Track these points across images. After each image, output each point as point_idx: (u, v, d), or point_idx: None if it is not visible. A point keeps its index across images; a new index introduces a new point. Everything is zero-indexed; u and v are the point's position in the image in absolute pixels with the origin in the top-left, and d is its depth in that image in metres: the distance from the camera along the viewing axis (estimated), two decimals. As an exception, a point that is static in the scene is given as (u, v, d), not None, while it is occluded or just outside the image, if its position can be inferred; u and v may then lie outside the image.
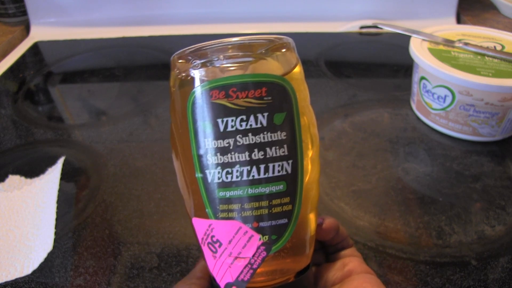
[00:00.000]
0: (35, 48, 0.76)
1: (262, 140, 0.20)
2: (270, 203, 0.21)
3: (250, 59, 0.21)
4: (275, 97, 0.21)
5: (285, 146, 0.21)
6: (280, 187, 0.21)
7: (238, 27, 0.77)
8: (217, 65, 0.21)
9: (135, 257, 0.36)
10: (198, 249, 0.36)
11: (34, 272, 0.34)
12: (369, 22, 0.77)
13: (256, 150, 0.20)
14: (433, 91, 0.48)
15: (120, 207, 0.41)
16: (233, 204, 0.21)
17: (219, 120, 0.20)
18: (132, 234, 0.38)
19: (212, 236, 0.21)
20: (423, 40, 0.52)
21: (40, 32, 0.80)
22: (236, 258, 0.21)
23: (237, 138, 0.20)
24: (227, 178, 0.20)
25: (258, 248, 0.21)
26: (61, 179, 0.43)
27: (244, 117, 0.20)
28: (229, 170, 0.20)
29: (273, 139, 0.21)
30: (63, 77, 0.69)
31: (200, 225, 0.22)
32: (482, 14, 0.79)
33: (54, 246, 0.36)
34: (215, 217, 0.21)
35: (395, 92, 0.59)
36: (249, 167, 0.20)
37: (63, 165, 0.45)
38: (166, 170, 0.46)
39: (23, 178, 0.45)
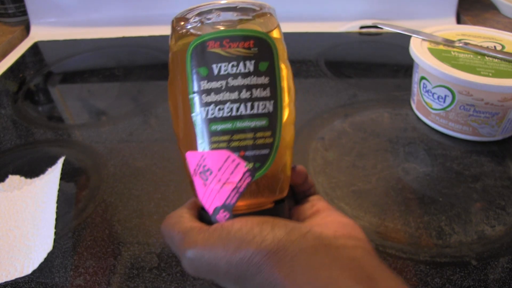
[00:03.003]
0: (35, 48, 0.76)
1: (249, 83, 0.24)
2: (255, 135, 0.25)
3: (239, 18, 0.26)
4: (260, 49, 0.25)
5: (268, 89, 0.25)
6: (263, 122, 0.25)
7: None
8: (212, 22, 0.25)
9: (135, 257, 0.36)
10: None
11: (34, 272, 0.34)
12: (369, 22, 0.77)
13: (244, 90, 0.24)
14: (433, 91, 0.48)
15: (120, 207, 0.41)
16: (223, 136, 0.24)
17: (214, 65, 0.24)
18: (132, 234, 0.38)
19: (204, 166, 0.25)
20: (423, 40, 0.52)
21: (40, 32, 0.80)
22: (224, 183, 0.24)
23: (229, 80, 0.24)
24: (218, 113, 0.24)
25: (244, 173, 0.24)
26: (61, 179, 0.43)
27: (235, 63, 0.24)
28: (221, 107, 0.24)
29: (258, 82, 0.25)
30: (63, 77, 0.69)
31: (193, 157, 0.25)
32: (482, 14, 0.79)
33: (54, 246, 0.36)
34: (208, 149, 0.25)
35: (395, 92, 0.59)
36: (238, 104, 0.24)
37: (63, 165, 0.45)
38: (166, 170, 0.46)
39: (23, 178, 0.45)
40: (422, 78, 0.50)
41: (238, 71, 0.24)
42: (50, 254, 0.35)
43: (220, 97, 0.24)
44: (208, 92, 0.24)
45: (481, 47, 0.49)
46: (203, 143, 0.25)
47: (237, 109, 0.24)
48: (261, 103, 0.25)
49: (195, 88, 0.25)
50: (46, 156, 0.48)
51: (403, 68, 0.65)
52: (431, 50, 0.49)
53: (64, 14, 0.81)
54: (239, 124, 0.24)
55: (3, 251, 0.36)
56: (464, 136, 0.49)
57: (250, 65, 0.24)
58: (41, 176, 0.45)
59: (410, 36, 0.53)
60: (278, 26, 0.27)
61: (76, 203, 0.42)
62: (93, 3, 0.79)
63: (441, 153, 0.47)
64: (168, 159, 0.47)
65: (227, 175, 0.24)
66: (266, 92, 0.25)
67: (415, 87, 0.52)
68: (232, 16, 0.26)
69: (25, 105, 0.59)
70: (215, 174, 0.24)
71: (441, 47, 0.50)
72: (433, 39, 0.52)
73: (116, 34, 0.78)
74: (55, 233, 0.37)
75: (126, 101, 0.60)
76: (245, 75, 0.24)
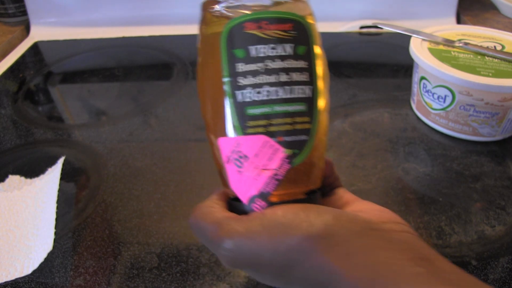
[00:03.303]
0: (35, 48, 0.76)
1: (288, 66, 0.24)
2: (294, 120, 0.24)
3: (273, 1, 0.25)
4: (298, 32, 0.24)
5: (306, 73, 0.24)
6: (301, 107, 0.24)
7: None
8: (245, 5, 0.24)
9: (135, 257, 0.36)
10: (198, 249, 0.36)
11: (34, 272, 0.34)
12: (369, 22, 0.77)
13: (283, 73, 0.23)
14: (433, 91, 0.48)
15: (120, 207, 0.41)
16: (261, 120, 0.23)
17: (252, 47, 0.23)
18: (132, 234, 0.38)
19: (239, 152, 0.24)
20: (423, 40, 0.52)
21: (40, 32, 0.80)
22: (261, 170, 0.23)
23: (267, 62, 0.23)
24: (257, 97, 0.23)
25: (282, 160, 0.23)
26: (61, 179, 0.43)
27: (273, 45, 0.23)
28: (259, 90, 0.23)
29: (297, 66, 0.24)
30: (63, 77, 0.69)
31: (227, 143, 0.24)
32: (482, 14, 0.79)
33: (54, 246, 0.36)
34: (243, 134, 0.23)
35: (395, 92, 0.59)
36: (277, 88, 0.23)
37: (63, 165, 0.45)
38: (166, 170, 0.46)
39: (23, 178, 0.45)
40: (422, 78, 0.50)
41: (276, 53, 0.23)
42: (50, 254, 0.35)
43: (257, 79, 0.23)
44: (244, 74, 0.23)
45: (481, 47, 0.49)
46: (238, 128, 0.24)
47: (276, 92, 0.23)
48: (299, 87, 0.24)
49: (231, 71, 0.24)
50: (46, 156, 0.48)
51: (403, 68, 0.65)
52: (431, 50, 0.49)
53: (64, 14, 0.81)
54: (278, 108, 0.23)
55: (3, 251, 0.36)
56: (464, 136, 0.49)
57: (288, 48, 0.24)
58: (41, 176, 0.45)
59: (410, 36, 0.53)
60: (312, 11, 0.27)
61: (76, 203, 0.42)
62: (93, 3, 0.79)
63: (441, 153, 0.47)
64: (168, 159, 0.47)
65: (264, 161, 0.23)
66: (305, 76, 0.24)
67: (415, 87, 0.52)
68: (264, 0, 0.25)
69: (25, 105, 0.59)
70: (252, 160, 0.23)
71: (441, 47, 0.50)
72: (433, 39, 0.52)
73: (116, 34, 0.78)
74: (55, 233, 0.37)
75: (126, 101, 0.60)
76: (284, 58, 0.23)
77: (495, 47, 0.50)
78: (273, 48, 0.23)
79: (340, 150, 0.48)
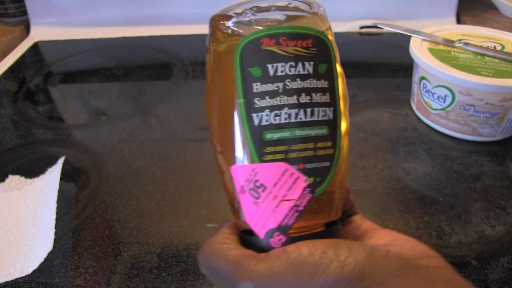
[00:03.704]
0: (35, 48, 0.76)
1: (309, 86, 0.22)
2: (316, 145, 0.22)
3: (291, 14, 0.23)
4: (319, 49, 0.22)
5: (327, 93, 0.22)
6: (324, 131, 0.22)
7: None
8: (259, 20, 0.22)
9: (135, 257, 0.36)
10: (198, 249, 0.36)
11: (34, 272, 0.34)
12: (369, 22, 0.77)
13: (303, 94, 0.21)
14: (433, 91, 0.48)
15: (120, 207, 0.41)
16: (280, 146, 0.21)
17: (270, 65, 0.21)
18: (132, 234, 0.38)
19: (256, 181, 0.21)
20: (423, 40, 0.52)
21: (40, 32, 0.80)
22: (281, 201, 0.21)
23: (286, 82, 0.21)
24: (275, 120, 0.21)
25: (303, 189, 0.21)
26: (61, 179, 0.43)
27: (293, 63, 0.21)
28: (278, 112, 0.21)
29: (318, 86, 0.22)
30: (63, 77, 0.69)
31: (241, 172, 0.22)
32: (482, 14, 0.79)
33: (54, 246, 0.36)
34: (260, 161, 0.21)
35: (395, 92, 0.59)
36: (297, 110, 0.21)
37: (63, 165, 0.45)
38: (166, 170, 0.46)
39: (23, 178, 0.45)
40: (422, 78, 0.50)
41: (297, 72, 0.21)
42: (50, 254, 0.35)
43: (276, 101, 0.21)
44: (261, 95, 0.21)
45: (481, 47, 0.49)
46: (254, 154, 0.21)
47: (296, 115, 0.21)
48: (321, 109, 0.22)
49: (246, 92, 0.21)
50: (46, 156, 0.48)
51: (403, 68, 0.65)
52: (431, 50, 0.49)
53: (64, 14, 0.81)
54: (299, 133, 0.21)
55: (3, 251, 0.36)
56: (464, 136, 0.49)
57: (309, 67, 0.22)
58: (41, 176, 0.45)
59: (410, 36, 0.53)
60: (330, 27, 0.25)
61: (76, 203, 0.42)
62: (93, 3, 0.79)
63: (441, 153, 0.47)
64: (168, 159, 0.47)
65: (284, 191, 0.21)
66: (326, 97, 0.22)
67: (415, 87, 0.52)
68: (280, 14, 0.23)
69: (25, 105, 0.59)
70: (270, 190, 0.21)
71: (441, 47, 0.50)
72: (433, 39, 0.52)
73: (116, 34, 0.78)
74: (55, 233, 0.37)
75: (126, 101, 0.60)
76: (304, 77, 0.21)
77: (495, 47, 0.50)
78: (292, 66, 0.21)
79: (340, 150, 0.48)
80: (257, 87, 0.21)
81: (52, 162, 0.46)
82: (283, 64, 0.21)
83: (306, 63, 0.22)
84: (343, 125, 0.23)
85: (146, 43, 0.75)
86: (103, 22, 0.80)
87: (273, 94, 0.21)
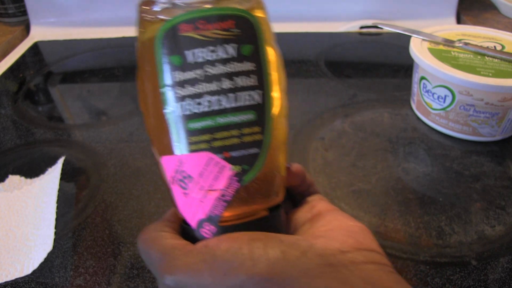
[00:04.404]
0: (35, 48, 0.76)
1: (231, 70, 0.21)
2: (241, 132, 0.21)
3: None
4: (242, 30, 0.21)
5: (254, 76, 0.21)
6: (250, 116, 0.21)
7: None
8: (184, 3, 0.21)
9: (135, 257, 0.36)
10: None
11: (34, 272, 0.34)
12: (369, 22, 0.77)
13: (225, 79, 0.21)
14: (433, 91, 0.48)
15: (120, 207, 0.41)
16: (204, 135, 0.21)
17: (188, 52, 0.20)
18: (132, 234, 0.38)
19: (182, 172, 0.21)
20: (423, 40, 0.52)
21: (40, 32, 0.80)
22: (208, 191, 0.21)
23: (206, 68, 0.21)
24: (196, 109, 0.21)
25: (230, 178, 0.21)
26: (61, 179, 0.43)
27: (212, 47, 0.20)
28: (199, 100, 0.21)
29: (242, 69, 0.21)
30: (63, 77, 0.69)
31: (169, 162, 0.22)
32: (482, 14, 0.79)
33: (54, 246, 0.36)
34: (186, 151, 0.21)
35: (395, 92, 0.59)
36: (219, 97, 0.21)
37: (63, 165, 0.45)
38: (166, 170, 0.46)
39: (23, 178, 0.45)
40: (422, 78, 0.50)
41: (217, 57, 0.20)
42: (50, 254, 0.35)
43: (197, 89, 0.21)
44: (182, 84, 0.21)
45: (481, 47, 0.49)
46: (180, 145, 0.21)
47: (218, 102, 0.21)
48: (246, 93, 0.21)
49: (167, 81, 0.21)
50: (46, 156, 0.48)
51: (403, 68, 0.65)
52: (431, 50, 0.49)
53: (64, 14, 0.81)
54: (222, 120, 0.21)
55: (3, 251, 0.36)
56: (464, 136, 0.49)
57: (231, 49, 0.21)
58: (41, 176, 0.45)
59: (410, 36, 0.53)
60: (260, 2, 0.23)
61: (76, 203, 0.42)
62: (93, 3, 0.79)
63: (441, 153, 0.47)
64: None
65: (210, 181, 0.21)
66: (252, 81, 0.21)
67: (415, 87, 0.52)
68: None
69: (25, 105, 0.59)
70: (196, 181, 0.21)
71: (441, 47, 0.50)
72: (433, 39, 0.52)
73: (116, 34, 0.78)
74: (55, 233, 0.37)
75: (126, 101, 0.60)
76: (226, 61, 0.21)
77: (495, 47, 0.50)
78: (212, 51, 0.20)
79: (340, 150, 0.48)
80: (178, 75, 0.21)
81: (52, 162, 0.46)
82: (202, 49, 0.20)
83: (228, 46, 0.21)
84: (276, 108, 0.22)
85: (146, 43, 0.75)
86: (103, 22, 0.80)
87: (193, 82, 0.21)
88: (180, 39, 0.21)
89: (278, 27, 0.88)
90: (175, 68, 0.21)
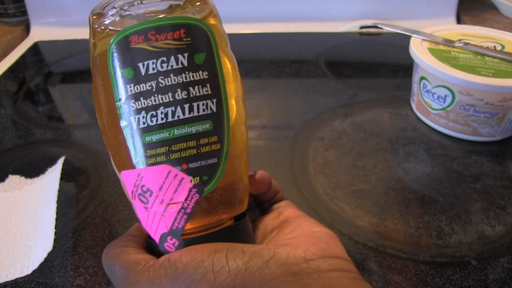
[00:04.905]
0: (35, 48, 0.76)
1: (184, 80, 0.20)
2: (198, 142, 0.21)
3: (167, 5, 0.22)
4: (194, 38, 0.21)
5: (207, 85, 0.21)
6: (206, 125, 0.21)
7: (238, 27, 0.77)
8: (135, 14, 0.21)
9: (135, 257, 0.36)
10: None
11: (34, 272, 0.34)
12: (369, 22, 0.77)
13: (179, 90, 0.20)
14: (433, 91, 0.48)
15: (120, 207, 0.41)
16: (161, 147, 0.20)
17: (140, 64, 0.20)
18: (132, 234, 0.38)
19: (142, 186, 0.21)
20: (423, 40, 0.52)
21: (40, 32, 0.80)
22: (168, 204, 0.20)
23: (159, 79, 0.20)
24: (152, 121, 0.20)
25: (190, 190, 0.20)
26: (61, 179, 0.43)
27: (164, 58, 0.20)
28: (154, 113, 0.20)
29: (195, 78, 0.21)
30: (63, 77, 0.69)
31: (129, 177, 0.21)
32: (482, 14, 0.79)
33: (54, 246, 0.36)
34: (144, 165, 0.21)
35: (395, 92, 0.59)
36: (173, 108, 0.20)
37: (63, 165, 0.45)
38: (166, 170, 0.46)
39: (23, 178, 0.45)
40: (422, 78, 0.50)
41: (169, 67, 0.20)
42: (50, 254, 0.35)
43: (151, 101, 0.20)
44: (137, 97, 0.20)
45: (481, 47, 0.49)
46: (138, 158, 0.21)
47: (173, 113, 0.20)
48: (201, 103, 0.21)
49: (122, 94, 0.21)
50: (46, 156, 0.48)
51: (403, 68, 0.65)
52: (431, 50, 0.49)
53: (64, 14, 0.81)
54: (178, 131, 0.20)
55: (3, 251, 0.36)
56: (464, 136, 0.49)
57: (183, 59, 0.20)
58: (41, 176, 0.45)
59: (410, 36, 0.53)
60: (213, 10, 0.23)
61: (76, 203, 0.42)
62: (93, 3, 0.79)
63: (441, 153, 0.47)
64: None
65: (170, 194, 0.20)
66: (207, 89, 0.21)
67: (415, 87, 0.52)
68: (158, 4, 0.22)
69: (25, 105, 0.59)
70: (156, 194, 0.20)
71: (441, 47, 0.50)
72: (433, 39, 0.52)
73: (116, 34, 0.78)
74: (55, 233, 0.37)
75: (126, 101, 0.60)
76: (179, 71, 0.20)
77: (495, 47, 0.50)
78: (164, 62, 0.20)
79: (340, 150, 0.48)
80: (131, 88, 0.20)
81: (52, 162, 0.46)
82: (154, 60, 0.20)
83: (180, 56, 0.20)
84: (233, 115, 0.22)
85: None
86: (103, 22, 0.80)
87: (147, 94, 0.20)
88: (132, 51, 0.20)
89: (279, 27, 0.88)
90: (128, 81, 0.20)
